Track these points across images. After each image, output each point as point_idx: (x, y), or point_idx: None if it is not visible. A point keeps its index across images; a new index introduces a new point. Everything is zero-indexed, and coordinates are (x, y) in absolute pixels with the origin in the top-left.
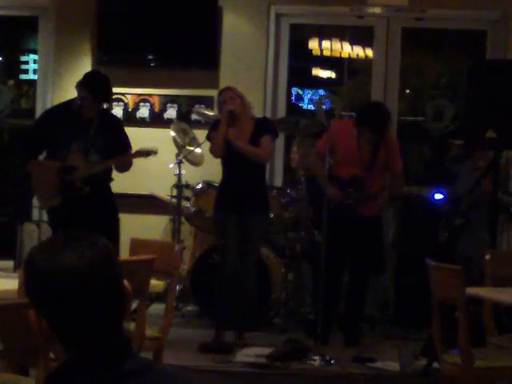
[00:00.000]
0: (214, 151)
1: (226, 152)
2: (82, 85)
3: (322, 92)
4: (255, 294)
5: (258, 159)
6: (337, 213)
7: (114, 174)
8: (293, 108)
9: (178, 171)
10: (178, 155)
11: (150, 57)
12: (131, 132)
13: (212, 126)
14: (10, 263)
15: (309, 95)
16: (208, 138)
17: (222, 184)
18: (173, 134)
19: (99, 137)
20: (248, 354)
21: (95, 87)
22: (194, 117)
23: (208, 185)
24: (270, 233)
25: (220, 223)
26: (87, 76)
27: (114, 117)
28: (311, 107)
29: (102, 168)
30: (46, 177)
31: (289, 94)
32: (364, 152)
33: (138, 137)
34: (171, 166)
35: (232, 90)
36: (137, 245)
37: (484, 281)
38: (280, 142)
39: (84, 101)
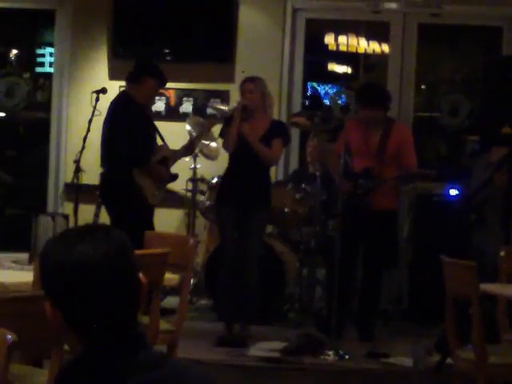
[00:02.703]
0: (227, 145)
1: (236, 145)
2: (164, 78)
3: (337, 87)
4: (258, 287)
5: (266, 160)
6: (350, 207)
7: None
8: (314, 100)
9: (193, 165)
10: None
11: (166, 50)
12: None
13: (224, 122)
14: (25, 255)
15: (324, 90)
16: (221, 134)
17: (225, 175)
18: (188, 127)
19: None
20: (262, 348)
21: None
22: (209, 111)
23: None
24: (284, 227)
25: (219, 215)
26: (156, 66)
27: None
28: (327, 102)
29: (181, 156)
30: (153, 175)
31: (304, 88)
32: (372, 142)
33: None
34: (187, 159)
35: (255, 82)
36: (151, 238)
37: (498, 276)
38: (295, 137)
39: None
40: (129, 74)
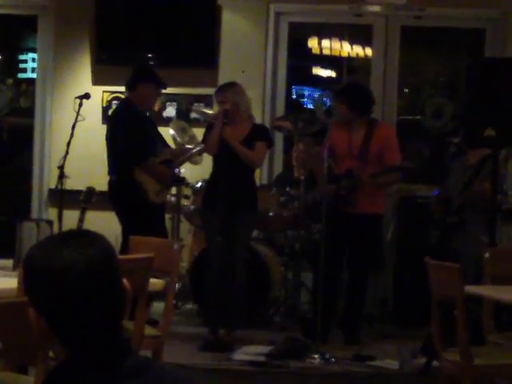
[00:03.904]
0: (209, 147)
1: (218, 149)
2: (159, 81)
3: (321, 91)
4: (244, 292)
5: (250, 163)
6: (335, 210)
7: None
8: (295, 105)
9: (177, 169)
10: None
11: (149, 55)
12: None
13: (207, 128)
14: (9, 262)
15: (308, 94)
16: (203, 139)
17: (210, 180)
18: (172, 132)
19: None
20: (247, 353)
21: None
22: (193, 115)
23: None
24: (269, 231)
25: (205, 219)
26: (150, 71)
27: None
28: (311, 106)
29: (188, 160)
30: (153, 173)
31: (288, 92)
32: (355, 143)
33: None
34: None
35: (225, 93)
36: (136, 243)
37: (479, 279)
38: (279, 141)
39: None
40: (126, 81)
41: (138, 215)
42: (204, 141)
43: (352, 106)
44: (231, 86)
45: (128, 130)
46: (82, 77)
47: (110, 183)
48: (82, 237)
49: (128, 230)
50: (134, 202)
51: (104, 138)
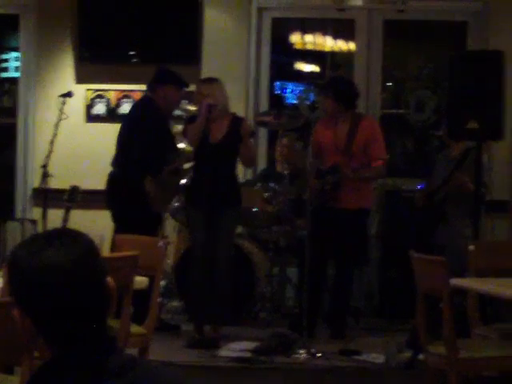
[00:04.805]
0: (190, 141)
1: (200, 145)
2: (178, 81)
3: (304, 86)
4: (230, 288)
5: (250, 160)
6: (320, 205)
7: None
8: (277, 101)
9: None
10: None
11: (132, 53)
12: (115, 128)
13: (188, 120)
14: None
15: (291, 89)
16: (184, 133)
17: (193, 177)
18: None
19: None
20: (233, 349)
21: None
22: (177, 112)
23: None
24: (253, 227)
25: (189, 216)
26: (168, 73)
27: None
28: (294, 101)
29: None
30: (164, 185)
31: (271, 88)
32: (340, 137)
33: None
34: None
35: (209, 84)
36: (120, 241)
37: (462, 271)
38: (262, 136)
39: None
40: (147, 84)
41: (131, 214)
42: (184, 134)
43: (338, 100)
44: (214, 80)
45: (146, 139)
46: (64, 75)
47: (112, 175)
48: (66, 236)
49: (121, 229)
50: (131, 201)
51: (87, 136)
